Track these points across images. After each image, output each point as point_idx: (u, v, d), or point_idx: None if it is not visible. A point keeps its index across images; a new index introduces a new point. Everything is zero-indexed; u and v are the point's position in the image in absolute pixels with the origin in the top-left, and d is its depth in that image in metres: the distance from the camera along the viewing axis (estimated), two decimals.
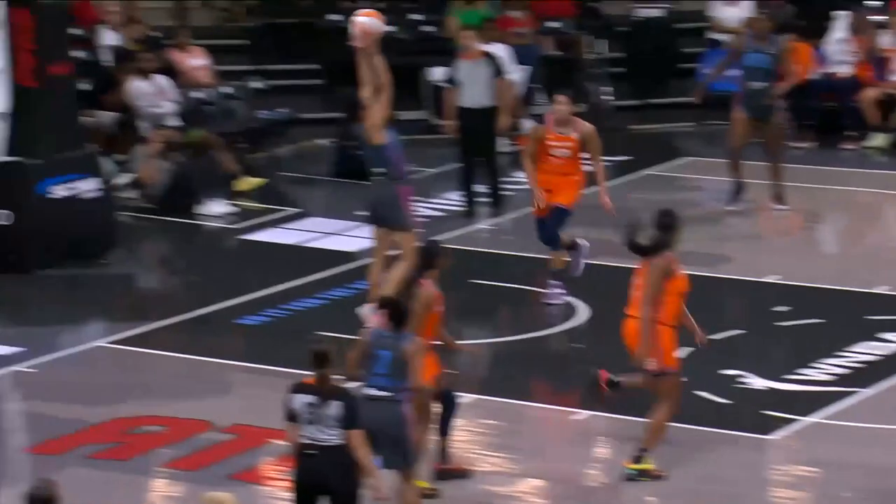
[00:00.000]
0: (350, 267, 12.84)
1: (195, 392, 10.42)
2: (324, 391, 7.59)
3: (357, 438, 7.59)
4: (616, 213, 11.86)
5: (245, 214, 14.66)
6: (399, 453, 8.12)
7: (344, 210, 14.18)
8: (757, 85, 14.04)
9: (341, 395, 7.62)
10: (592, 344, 11.30)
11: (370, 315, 11.01)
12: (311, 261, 13.20)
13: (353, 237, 13.49)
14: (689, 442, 9.56)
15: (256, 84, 16.98)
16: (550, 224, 11.92)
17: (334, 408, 7.58)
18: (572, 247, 12.03)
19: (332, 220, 14.29)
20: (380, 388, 8.12)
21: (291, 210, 14.79)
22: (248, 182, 15.45)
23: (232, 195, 15.01)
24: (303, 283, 12.60)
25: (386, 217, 11.17)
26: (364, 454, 7.60)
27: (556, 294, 12.01)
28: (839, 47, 17.24)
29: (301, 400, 7.62)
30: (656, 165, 15.92)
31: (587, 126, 11.96)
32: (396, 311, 8.25)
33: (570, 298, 11.95)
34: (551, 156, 11.88)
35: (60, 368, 11.03)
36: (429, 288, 8.87)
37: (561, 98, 11.90)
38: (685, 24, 19.43)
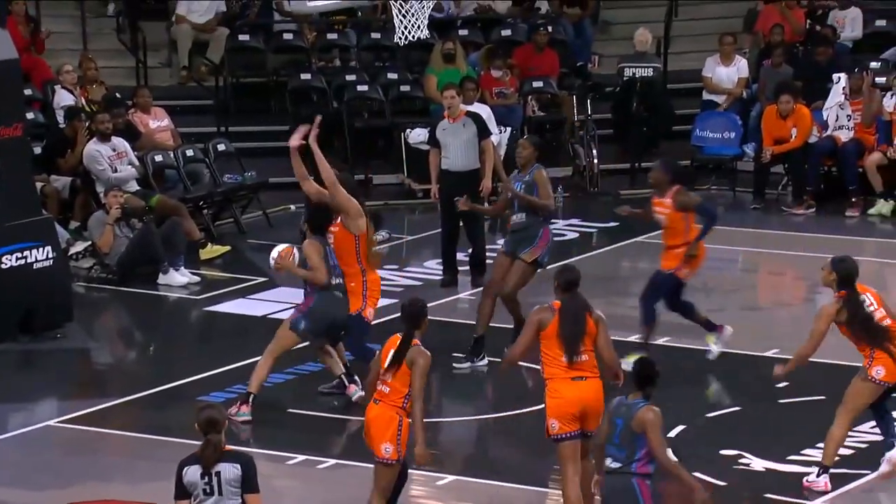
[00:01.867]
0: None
1: (154, 474, 10.30)
2: (216, 458, 7.55)
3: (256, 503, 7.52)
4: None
5: (209, 284, 14.62)
6: None
7: None
8: (515, 217, 12.48)
9: (235, 457, 7.59)
10: None
11: None
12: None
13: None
14: None
15: (221, 146, 17.00)
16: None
17: (230, 472, 7.53)
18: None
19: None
20: (614, 459, 8.12)
21: (258, 279, 14.77)
22: (213, 250, 15.43)
23: (196, 263, 14.97)
24: None
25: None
26: None
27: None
28: (838, 111, 17.39)
29: (194, 472, 7.58)
30: (648, 233, 15.94)
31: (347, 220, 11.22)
32: (643, 373, 8.23)
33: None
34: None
35: (7, 450, 10.91)
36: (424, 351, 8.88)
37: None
38: (678, 85, 19.60)
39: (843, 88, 17.39)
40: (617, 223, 16.32)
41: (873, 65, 17.91)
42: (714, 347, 12.34)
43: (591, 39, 20.36)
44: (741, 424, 11.20)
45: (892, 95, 17.13)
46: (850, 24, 19.41)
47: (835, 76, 17.60)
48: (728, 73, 18.72)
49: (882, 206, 16.92)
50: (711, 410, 11.35)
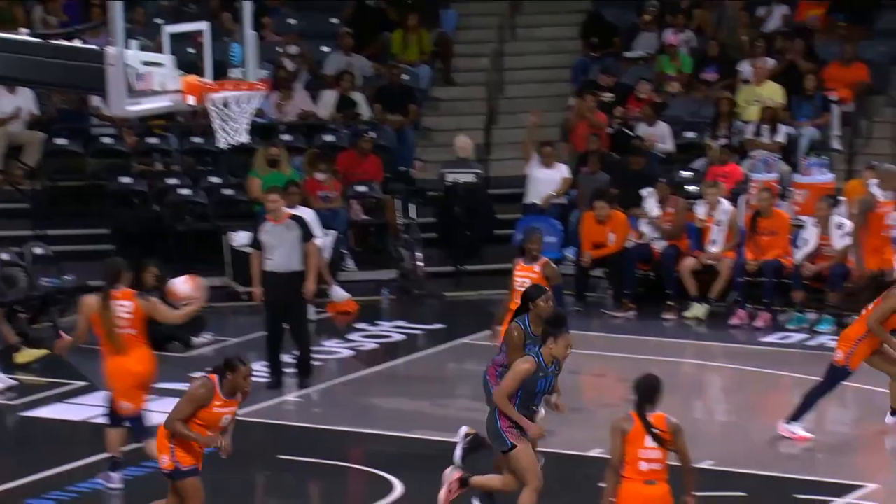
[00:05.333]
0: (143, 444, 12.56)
1: None
2: None
3: None
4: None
5: (26, 389, 14.29)
6: None
7: None
8: None
9: None
10: None
11: None
12: (99, 438, 12.83)
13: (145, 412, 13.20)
14: None
15: (38, 250, 16.73)
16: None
17: None
18: None
19: None
20: None
21: (77, 384, 14.46)
22: (29, 354, 15.11)
23: (11, 368, 14.65)
24: (91, 461, 12.23)
25: None
26: None
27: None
28: (651, 221, 17.85)
29: None
30: (473, 334, 16.08)
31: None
32: None
33: None
34: None
35: None
36: None
37: None
38: (499, 190, 19.92)
39: (656, 201, 17.86)
40: (444, 325, 16.44)
41: (684, 173, 18.45)
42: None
43: (413, 145, 20.62)
44: None
45: (704, 203, 17.65)
46: (660, 139, 20.01)
47: (643, 192, 18.04)
48: (551, 173, 19.11)
49: (696, 310, 17.33)
50: None
